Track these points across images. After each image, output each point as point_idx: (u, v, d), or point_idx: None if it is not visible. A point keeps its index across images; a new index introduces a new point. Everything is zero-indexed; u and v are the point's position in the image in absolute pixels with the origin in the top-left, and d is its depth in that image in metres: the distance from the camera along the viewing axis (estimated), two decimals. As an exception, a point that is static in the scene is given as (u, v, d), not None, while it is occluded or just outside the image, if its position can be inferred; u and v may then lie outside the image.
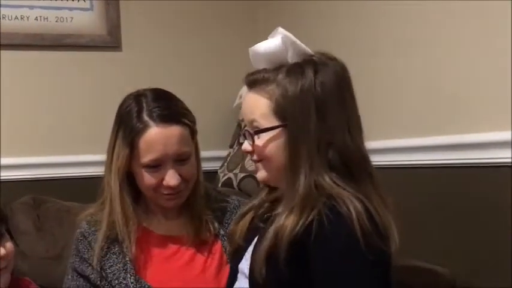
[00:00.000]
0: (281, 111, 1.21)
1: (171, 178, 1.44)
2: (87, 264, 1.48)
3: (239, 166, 2.25)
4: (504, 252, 1.51)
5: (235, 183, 2.25)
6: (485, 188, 1.59)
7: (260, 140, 1.24)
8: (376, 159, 1.85)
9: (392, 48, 1.91)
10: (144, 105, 1.45)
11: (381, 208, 1.17)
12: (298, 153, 1.19)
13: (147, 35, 2.50)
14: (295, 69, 1.22)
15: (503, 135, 1.52)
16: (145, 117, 1.44)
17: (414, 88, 1.83)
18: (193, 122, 1.50)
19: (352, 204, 1.13)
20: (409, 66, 1.84)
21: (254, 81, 1.26)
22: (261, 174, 1.28)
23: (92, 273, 1.47)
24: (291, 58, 1.24)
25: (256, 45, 1.27)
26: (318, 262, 1.13)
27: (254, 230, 1.30)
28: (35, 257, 1.97)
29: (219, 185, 2.29)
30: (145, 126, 1.43)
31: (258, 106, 1.24)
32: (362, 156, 1.23)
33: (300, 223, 1.14)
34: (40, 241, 2.02)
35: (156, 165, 1.44)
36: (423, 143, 1.77)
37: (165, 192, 1.46)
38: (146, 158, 1.43)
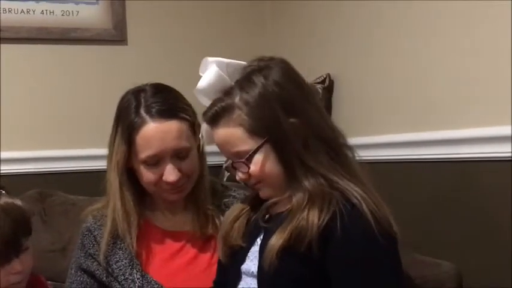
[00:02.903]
0: (256, 129, 1.20)
1: (170, 174, 1.43)
2: (93, 260, 1.49)
3: (244, 160, 2.25)
4: (504, 247, 1.51)
5: (240, 178, 2.25)
6: (485, 182, 1.60)
7: (254, 164, 1.21)
8: (376, 154, 1.87)
9: (392, 42, 1.91)
10: (142, 100, 1.45)
11: (372, 189, 1.19)
12: (289, 159, 1.18)
13: (152, 29, 2.49)
14: (245, 84, 1.21)
15: (503, 130, 1.52)
16: (143, 113, 1.43)
17: (414, 82, 1.83)
18: (194, 116, 1.48)
19: (360, 195, 1.15)
20: (410, 61, 1.84)
21: (215, 116, 1.23)
22: (266, 193, 1.26)
23: (98, 269, 1.47)
24: (233, 78, 1.24)
25: (198, 85, 1.26)
26: (340, 254, 1.13)
27: (255, 230, 1.28)
28: (41, 249, 1.97)
29: (224, 179, 2.29)
30: (143, 122, 1.42)
31: (233, 137, 1.22)
32: (338, 132, 1.24)
33: (325, 218, 1.13)
34: (45, 234, 2.03)
35: (154, 161, 1.43)
36: (423, 138, 1.77)
37: (166, 187, 1.46)
38: (144, 154, 1.42)
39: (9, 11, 2.31)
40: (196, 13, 2.56)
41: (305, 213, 1.15)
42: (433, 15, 1.75)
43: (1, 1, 2.29)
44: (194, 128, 1.48)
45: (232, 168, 1.26)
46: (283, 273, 1.16)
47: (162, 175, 1.44)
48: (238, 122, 1.20)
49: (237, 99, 1.21)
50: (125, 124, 1.44)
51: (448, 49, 1.71)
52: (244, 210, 1.33)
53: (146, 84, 1.50)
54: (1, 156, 2.23)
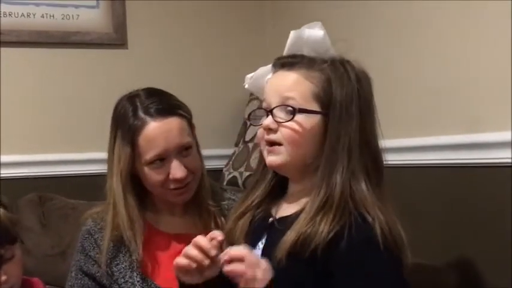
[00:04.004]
0: (324, 99, 1.18)
1: (177, 170, 1.43)
2: (93, 262, 1.49)
3: (244, 164, 2.25)
4: (504, 252, 1.51)
5: (240, 182, 2.25)
6: (485, 188, 1.59)
7: (299, 120, 1.17)
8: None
9: (393, 48, 1.91)
10: (138, 103, 1.45)
11: (395, 219, 1.17)
12: (338, 146, 1.16)
13: (152, 33, 2.50)
14: (336, 64, 1.21)
15: (503, 136, 1.52)
16: (142, 114, 1.43)
17: (415, 88, 1.83)
18: (190, 114, 1.49)
19: (376, 214, 1.13)
20: (411, 66, 1.84)
21: (293, 63, 1.21)
22: (279, 159, 1.20)
23: (98, 272, 1.47)
24: (323, 54, 1.23)
25: (300, 30, 1.24)
26: (342, 264, 1.12)
27: (257, 232, 1.27)
28: (40, 253, 1.98)
29: (224, 183, 2.29)
30: (143, 123, 1.42)
31: (299, 86, 1.19)
32: (380, 148, 1.23)
33: (334, 229, 1.12)
34: (45, 238, 2.03)
35: (160, 161, 1.43)
36: (423, 143, 1.77)
37: (173, 186, 1.45)
38: (149, 154, 1.42)
39: (9, 14, 2.31)
40: (196, 17, 2.56)
41: (319, 217, 1.14)
42: (437, 20, 1.74)
43: (2, 5, 2.29)
44: (191, 125, 1.49)
45: (268, 112, 1.20)
46: (286, 277, 1.15)
47: (168, 174, 1.44)
48: (313, 80, 1.19)
49: (324, 66, 1.20)
50: (125, 128, 1.44)
51: (448, 55, 1.71)
52: (250, 207, 1.30)
53: (138, 90, 1.50)
54: (1, 160, 2.23)
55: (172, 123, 1.43)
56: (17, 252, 1.38)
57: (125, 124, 1.45)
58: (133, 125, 1.43)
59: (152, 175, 1.45)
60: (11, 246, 1.36)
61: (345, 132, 1.17)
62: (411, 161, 1.81)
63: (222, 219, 1.51)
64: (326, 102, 1.18)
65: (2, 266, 1.34)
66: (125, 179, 1.46)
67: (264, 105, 1.24)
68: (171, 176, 1.44)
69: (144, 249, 1.47)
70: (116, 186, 1.47)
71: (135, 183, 1.49)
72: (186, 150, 1.45)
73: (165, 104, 1.45)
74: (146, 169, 1.45)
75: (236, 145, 2.40)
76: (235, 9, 2.61)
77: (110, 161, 1.49)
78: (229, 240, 1.29)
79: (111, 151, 1.48)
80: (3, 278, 1.33)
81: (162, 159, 1.43)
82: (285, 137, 1.19)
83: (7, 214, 1.40)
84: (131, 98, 1.48)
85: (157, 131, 1.42)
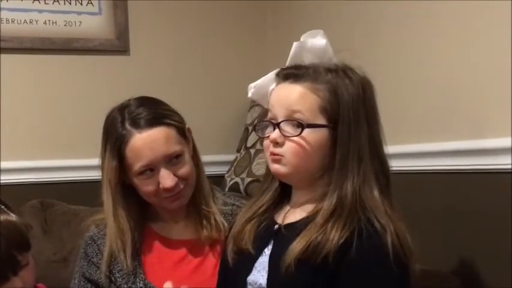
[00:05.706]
0: (331, 112, 1.18)
1: (166, 179, 1.43)
2: (96, 268, 1.49)
3: (246, 170, 2.25)
4: (505, 257, 1.51)
5: (242, 188, 2.25)
6: (486, 194, 1.59)
7: (306, 135, 1.18)
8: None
9: (394, 53, 1.91)
10: (127, 114, 1.45)
11: (403, 227, 1.17)
12: (349, 157, 1.17)
13: (155, 39, 2.50)
14: (340, 73, 1.21)
15: (503, 142, 1.52)
16: (128, 126, 1.43)
17: (415, 95, 1.83)
18: (179, 121, 1.48)
19: (387, 222, 1.14)
20: (411, 72, 1.84)
21: (298, 75, 1.21)
22: (283, 169, 1.21)
23: (101, 278, 1.47)
24: (327, 61, 1.23)
25: (303, 40, 1.25)
26: (350, 273, 1.13)
27: (264, 238, 1.27)
28: (43, 259, 1.97)
29: (226, 189, 2.29)
30: (129, 135, 1.42)
31: (305, 99, 1.19)
32: (386, 155, 1.24)
33: (344, 235, 1.12)
34: (47, 244, 2.03)
35: (149, 171, 1.43)
36: (424, 149, 1.77)
37: (166, 195, 1.46)
38: (136, 166, 1.43)
39: (12, 21, 2.32)
40: (198, 24, 2.56)
41: (330, 224, 1.14)
42: (439, 27, 1.74)
43: (4, 12, 2.30)
44: (183, 132, 1.49)
45: (275, 125, 1.20)
46: (295, 283, 1.15)
47: (158, 184, 1.44)
48: (319, 93, 1.19)
49: (328, 77, 1.20)
50: (113, 140, 1.45)
51: (448, 62, 1.71)
52: (257, 213, 1.30)
53: (130, 99, 1.51)
54: (1, 166, 2.23)
55: (158, 133, 1.43)
56: (30, 259, 1.38)
57: (112, 135, 1.45)
58: (120, 136, 1.43)
59: (143, 185, 1.45)
60: (26, 253, 1.37)
61: (354, 143, 1.17)
62: (412, 167, 1.81)
63: (225, 224, 1.51)
64: (333, 114, 1.19)
65: (19, 273, 1.34)
66: (114, 189, 1.47)
67: (270, 116, 1.24)
68: (160, 186, 1.43)
69: (144, 254, 1.48)
70: (106, 197, 1.48)
71: (133, 193, 1.49)
72: (176, 158, 1.45)
73: (152, 114, 1.45)
74: (136, 180, 1.45)
75: (238, 151, 2.40)
76: (236, 15, 2.62)
77: (101, 170, 1.50)
78: (236, 243, 1.30)
79: (102, 162, 1.49)
80: (20, 285, 1.34)
81: (151, 170, 1.43)
82: (292, 151, 1.19)
83: (22, 220, 1.40)
84: (121, 109, 1.48)
85: (142, 142, 1.42)
